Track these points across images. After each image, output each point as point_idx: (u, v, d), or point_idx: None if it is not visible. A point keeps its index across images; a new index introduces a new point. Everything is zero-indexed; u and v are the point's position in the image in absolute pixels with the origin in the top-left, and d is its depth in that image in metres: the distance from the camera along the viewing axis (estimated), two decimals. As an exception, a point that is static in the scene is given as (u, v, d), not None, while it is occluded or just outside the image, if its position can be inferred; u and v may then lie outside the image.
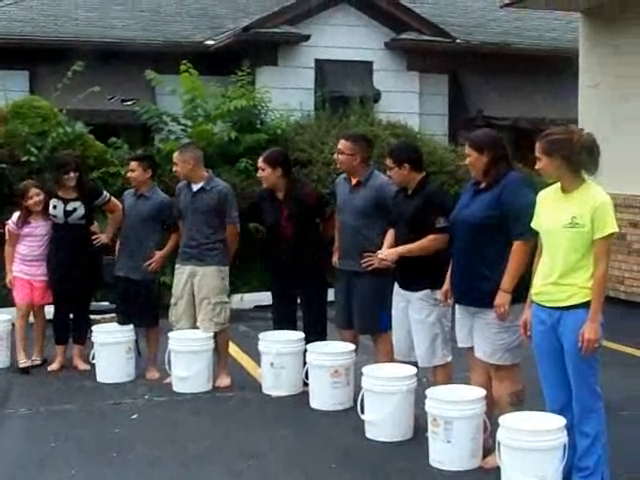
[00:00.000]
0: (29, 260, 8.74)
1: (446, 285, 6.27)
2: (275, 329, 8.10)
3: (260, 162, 7.95)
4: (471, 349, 6.12)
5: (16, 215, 8.78)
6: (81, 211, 8.67)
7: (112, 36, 16.42)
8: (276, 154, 8.10)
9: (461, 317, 6.16)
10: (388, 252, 6.76)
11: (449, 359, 6.73)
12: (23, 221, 8.71)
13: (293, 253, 7.79)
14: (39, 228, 8.74)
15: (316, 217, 7.96)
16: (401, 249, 6.65)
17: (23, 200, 8.72)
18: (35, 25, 16.55)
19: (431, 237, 6.48)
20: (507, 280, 5.75)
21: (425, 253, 6.52)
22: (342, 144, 7.51)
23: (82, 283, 8.72)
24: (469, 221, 5.94)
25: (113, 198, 8.97)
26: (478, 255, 5.90)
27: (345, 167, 7.53)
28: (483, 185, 6.01)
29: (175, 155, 8.27)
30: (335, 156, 7.69)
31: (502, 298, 5.75)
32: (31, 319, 8.95)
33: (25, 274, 8.75)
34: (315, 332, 7.83)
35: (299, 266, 7.81)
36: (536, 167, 5.38)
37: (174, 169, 8.28)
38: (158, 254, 8.36)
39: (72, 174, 8.61)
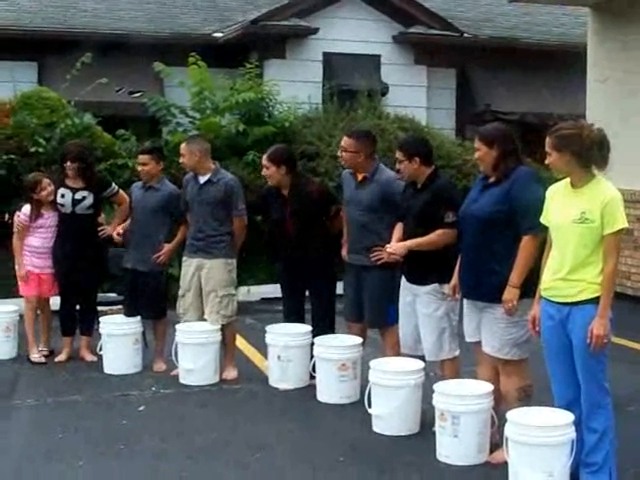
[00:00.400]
0: (41, 252, 8.72)
1: (454, 280, 6.27)
2: (285, 322, 8.10)
3: (264, 160, 7.91)
4: (479, 343, 6.12)
5: (27, 208, 8.73)
6: (89, 200, 8.66)
7: (120, 28, 16.39)
8: (280, 152, 8.03)
9: (469, 312, 6.16)
10: (397, 246, 6.75)
11: (457, 353, 6.73)
12: (37, 214, 8.69)
13: (297, 249, 7.79)
14: (50, 219, 8.73)
15: (321, 214, 7.90)
16: (410, 243, 6.64)
17: (34, 193, 8.69)
18: (44, 17, 16.55)
19: (440, 231, 6.47)
20: (515, 275, 5.75)
21: (434, 247, 6.51)
22: (345, 142, 7.47)
23: (89, 275, 8.72)
24: (478, 216, 5.93)
25: (121, 190, 8.97)
26: (487, 250, 5.89)
27: (350, 164, 7.50)
28: (492, 180, 6.00)
29: (182, 146, 8.26)
30: (339, 153, 7.67)
31: (510, 293, 5.75)
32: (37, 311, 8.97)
33: (36, 267, 8.74)
34: (323, 325, 7.83)
35: (305, 260, 7.80)
36: (546, 162, 5.36)
37: (181, 160, 8.25)
38: (167, 247, 8.36)
39: (69, 163, 8.60)
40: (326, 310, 7.94)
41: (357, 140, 7.42)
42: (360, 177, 7.43)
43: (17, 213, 8.82)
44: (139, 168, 8.53)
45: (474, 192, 6.14)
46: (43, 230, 8.72)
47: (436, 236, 6.49)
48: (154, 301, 8.41)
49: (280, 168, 7.81)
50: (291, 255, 7.86)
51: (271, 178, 7.88)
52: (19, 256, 8.77)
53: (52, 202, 8.69)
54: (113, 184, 9.01)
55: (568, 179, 5.36)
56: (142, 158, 8.45)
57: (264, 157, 7.94)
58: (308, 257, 7.78)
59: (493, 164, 5.96)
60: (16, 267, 8.82)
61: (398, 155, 6.74)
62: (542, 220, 5.49)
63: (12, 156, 11.53)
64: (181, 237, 8.37)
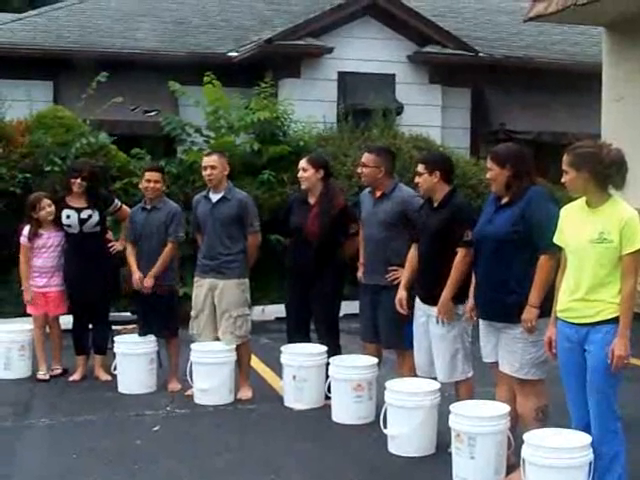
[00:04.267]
0: (44, 271, 8.73)
1: (471, 301, 6.22)
2: (289, 341, 8.06)
3: (303, 163, 7.91)
4: (496, 364, 6.08)
5: (27, 229, 8.75)
6: (95, 218, 8.66)
7: (135, 47, 16.46)
8: (320, 157, 8.34)
9: (486, 332, 6.11)
10: (442, 308, 6.49)
11: (470, 374, 6.68)
12: (34, 233, 8.69)
13: (316, 254, 7.72)
14: (52, 239, 8.74)
15: (340, 227, 7.85)
16: (448, 292, 6.45)
17: (33, 212, 8.70)
18: (59, 36, 16.62)
19: (460, 256, 6.35)
20: (534, 295, 5.71)
21: (463, 275, 6.37)
22: (365, 157, 7.48)
23: (100, 294, 8.71)
24: (493, 236, 5.90)
25: (124, 206, 8.95)
26: (503, 270, 5.85)
27: (369, 180, 7.49)
28: (505, 200, 5.96)
29: (214, 158, 8.15)
30: (359, 169, 7.66)
31: (530, 313, 5.72)
32: (47, 329, 8.99)
33: (40, 286, 8.75)
34: (331, 345, 7.81)
35: (319, 269, 7.74)
36: (562, 180, 5.31)
37: (212, 172, 8.04)
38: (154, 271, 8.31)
39: (81, 180, 8.59)
40: (330, 329, 7.90)
41: (378, 155, 7.44)
42: (378, 194, 7.42)
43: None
44: (149, 185, 8.36)
45: (487, 213, 6.10)
46: (44, 250, 8.72)
47: (460, 265, 6.37)
48: (166, 320, 8.39)
49: (318, 172, 7.86)
50: (308, 265, 7.77)
51: (306, 180, 7.88)
52: (25, 280, 8.79)
53: (53, 222, 8.70)
54: (116, 199, 9.02)
55: (583, 199, 5.32)
56: (154, 175, 8.40)
57: (303, 160, 7.98)
58: (322, 266, 7.73)
59: (505, 184, 5.93)
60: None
61: (419, 168, 6.72)
62: (556, 240, 5.45)
63: (27, 175, 11.56)
64: (168, 258, 8.34)
